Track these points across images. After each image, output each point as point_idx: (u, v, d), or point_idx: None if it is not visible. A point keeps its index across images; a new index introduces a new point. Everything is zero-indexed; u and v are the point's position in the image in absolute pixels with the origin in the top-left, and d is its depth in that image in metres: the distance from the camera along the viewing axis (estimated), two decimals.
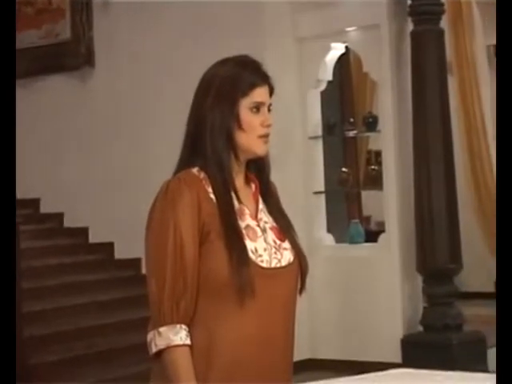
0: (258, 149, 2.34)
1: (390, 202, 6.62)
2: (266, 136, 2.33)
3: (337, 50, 7.18)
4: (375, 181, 7.11)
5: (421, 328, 6.41)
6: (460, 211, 6.62)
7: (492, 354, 5.93)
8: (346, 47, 7.24)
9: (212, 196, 2.28)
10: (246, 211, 2.33)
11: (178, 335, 2.20)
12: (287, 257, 2.32)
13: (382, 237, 6.75)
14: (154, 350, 2.21)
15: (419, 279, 6.50)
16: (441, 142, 6.43)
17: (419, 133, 6.44)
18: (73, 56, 7.64)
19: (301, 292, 2.37)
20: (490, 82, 8.43)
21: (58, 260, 7.05)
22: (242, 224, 2.29)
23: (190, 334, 2.23)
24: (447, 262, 6.41)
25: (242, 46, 6.74)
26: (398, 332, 6.38)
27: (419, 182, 6.44)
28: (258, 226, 2.33)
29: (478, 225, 8.31)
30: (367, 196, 8.58)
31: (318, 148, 7.06)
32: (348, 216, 8.00)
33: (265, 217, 2.37)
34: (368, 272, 6.61)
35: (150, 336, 2.23)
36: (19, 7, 7.71)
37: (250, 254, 2.25)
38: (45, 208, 7.73)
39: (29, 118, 7.71)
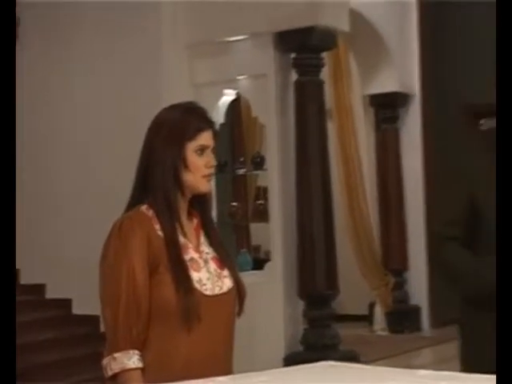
0: (203, 186, 2.44)
1: (275, 233, 6.73)
2: (209, 175, 2.44)
3: (229, 95, 7.35)
4: (262, 214, 7.27)
5: (301, 348, 6.53)
6: (338, 241, 6.80)
7: None
8: (237, 93, 7.43)
9: (160, 233, 2.37)
10: (190, 245, 2.42)
11: (131, 360, 2.31)
12: (227, 283, 2.44)
13: (267, 265, 6.87)
14: (109, 373, 2.32)
15: (300, 303, 6.63)
16: (320, 180, 6.61)
17: (301, 171, 6.62)
18: None
19: (239, 314, 2.49)
20: (365, 127, 8.83)
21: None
22: (187, 257, 2.39)
23: (143, 356, 2.33)
24: (325, 288, 6.56)
25: (141, 88, 6.80)
26: (280, 351, 6.49)
27: (301, 215, 6.59)
28: (201, 257, 2.43)
29: (353, 253, 8.49)
30: (258, 227, 8.75)
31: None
32: (237, 246, 8.17)
33: (206, 248, 2.46)
34: (254, 297, 6.64)
35: (105, 361, 2.33)
36: None
37: (195, 284, 2.35)
38: None
39: None
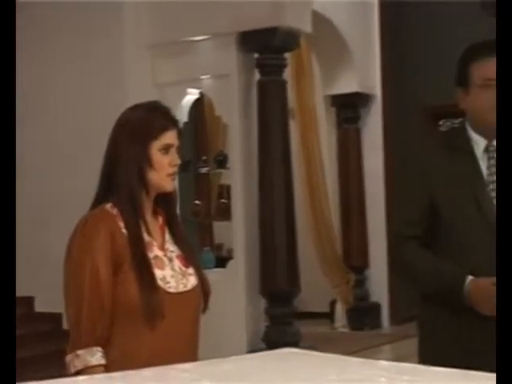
0: (167, 185, 2.44)
1: (238, 231, 6.75)
2: (173, 174, 2.45)
3: (192, 94, 7.36)
4: (225, 212, 7.28)
5: (263, 345, 6.53)
6: (300, 240, 6.82)
7: None
8: (201, 93, 7.45)
9: (124, 231, 2.37)
10: (154, 243, 2.43)
11: (94, 356, 2.31)
12: (192, 281, 2.45)
13: (230, 263, 6.89)
14: (72, 370, 2.32)
15: (262, 301, 6.66)
16: (283, 179, 6.63)
17: (264, 170, 6.64)
18: None
19: (204, 310, 2.51)
20: (327, 127, 8.86)
21: None
22: (151, 255, 2.39)
23: (107, 352, 2.33)
24: (287, 286, 6.58)
25: (105, 88, 6.79)
26: (242, 348, 6.47)
27: (264, 214, 6.61)
28: (165, 255, 2.43)
29: (314, 251, 8.53)
30: (221, 226, 8.77)
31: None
32: (200, 244, 8.17)
33: (171, 247, 2.47)
34: (217, 294, 6.67)
35: (69, 357, 2.34)
36: None
37: (159, 282, 2.36)
38: None
39: None
